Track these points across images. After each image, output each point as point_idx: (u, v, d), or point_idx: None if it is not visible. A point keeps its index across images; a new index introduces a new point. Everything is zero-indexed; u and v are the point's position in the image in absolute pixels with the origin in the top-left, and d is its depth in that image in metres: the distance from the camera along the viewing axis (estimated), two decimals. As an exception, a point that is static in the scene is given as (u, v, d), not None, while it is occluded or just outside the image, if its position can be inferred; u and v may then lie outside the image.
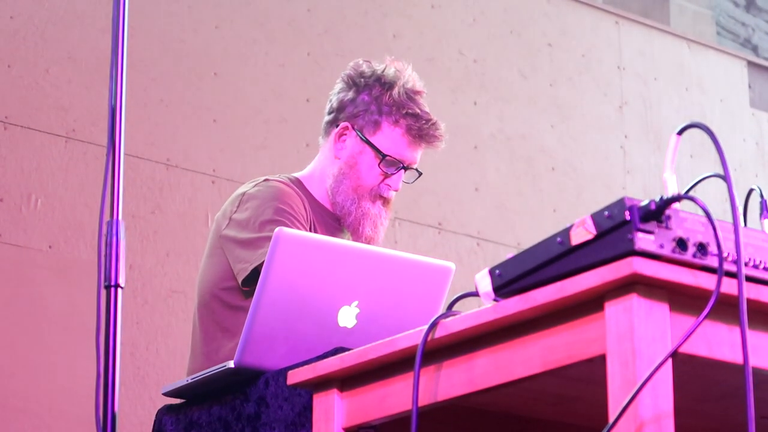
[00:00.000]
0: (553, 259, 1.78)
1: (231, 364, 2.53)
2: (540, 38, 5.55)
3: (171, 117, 4.51)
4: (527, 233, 5.23)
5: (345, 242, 2.65)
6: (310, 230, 2.91)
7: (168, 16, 4.58)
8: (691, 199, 1.71)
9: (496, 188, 5.25)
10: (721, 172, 1.76)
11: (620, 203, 1.71)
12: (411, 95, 3.03)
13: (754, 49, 6.50)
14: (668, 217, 1.71)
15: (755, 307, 1.74)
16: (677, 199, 1.70)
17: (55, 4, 4.37)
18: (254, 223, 2.85)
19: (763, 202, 2.13)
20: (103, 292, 2.22)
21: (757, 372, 1.73)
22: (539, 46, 5.54)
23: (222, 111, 4.62)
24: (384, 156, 2.99)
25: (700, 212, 1.72)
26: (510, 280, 1.83)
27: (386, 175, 3.01)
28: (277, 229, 2.51)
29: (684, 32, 6.06)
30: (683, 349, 1.68)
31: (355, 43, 4.99)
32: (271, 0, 4.82)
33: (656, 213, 1.70)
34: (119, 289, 2.23)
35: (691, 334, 1.65)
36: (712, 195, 5.41)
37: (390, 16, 5.13)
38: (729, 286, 1.68)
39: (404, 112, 3.00)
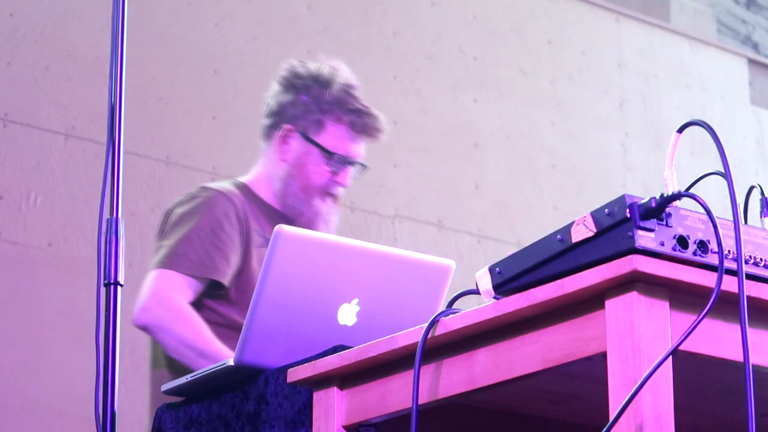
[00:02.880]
0: (553, 257, 1.78)
1: (231, 362, 2.53)
2: (540, 35, 5.54)
3: (171, 114, 4.51)
4: (527, 231, 5.23)
5: (345, 240, 2.65)
6: (243, 236, 2.93)
7: (167, 13, 4.57)
8: (692, 196, 1.70)
9: (496, 186, 5.25)
10: (722, 170, 1.76)
11: (620, 201, 1.71)
12: (349, 91, 3.05)
13: (755, 47, 6.50)
14: (669, 215, 1.71)
15: (756, 304, 1.74)
16: (678, 196, 1.70)
17: (55, 1, 4.37)
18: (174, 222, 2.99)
19: (763, 199, 2.13)
20: (103, 289, 2.22)
21: (758, 370, 1.72)
22: (539, 43, 5.53)
23: (222, 108, 4.62)
24: (331, 154, 3.02)
25: (701, 210, 1.72)
26: (510, 277, 1.83)
27: (334, 173, 3.03)
28: (276, 226, 2.52)
29: (684, 30, 6.06)
30: (684, 347, 1.68)
31: (355, 40, 4.99)
32: (270, -3, 4.82)
33: (657, 211, 1.70)
34: (119, 287, 2.23)
35: (691, 331, 1.65)
36: (713, 193, 5.39)
37: (390, 14, 5.13)
38: (729, 284, 1.68)
39: (346, 108, 3.03)
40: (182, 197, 3.03)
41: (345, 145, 3.03)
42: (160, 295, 2.84)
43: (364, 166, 3.07)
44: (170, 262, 2.87)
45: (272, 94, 3.10)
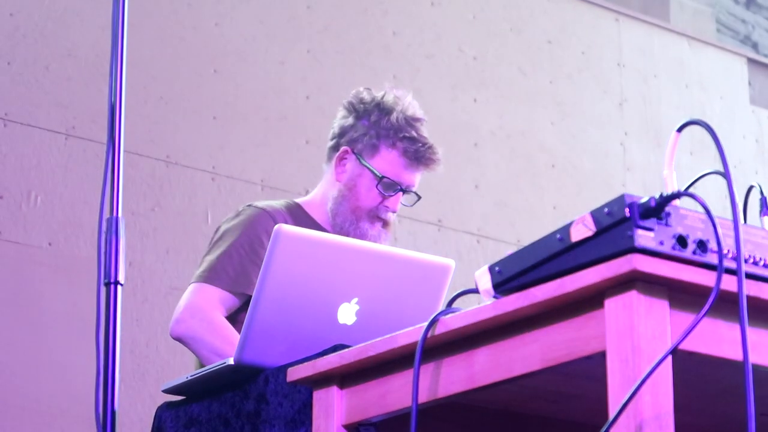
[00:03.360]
0: (552, 256, 1.78)
1: (230, 361, 2.53)
2: (540, 35, 5.55)
3: (171, 114, 4.51)
4: (527, 230, 5.23)
5: (345, 239, 2.66)
6: None
7: (168, 13, 4.58)
8: (691, 196, 1.70)
9: (495, 185, 5.25)
10: (721, 170, 1.76)
11: (620, 200, 1.71)
12: (409, 121, 3.14)
13: (754, 46, 6.50)
14: (668, 214, 1.71)
15: (755, 304, 1.74)
16: (677, 196, 1.70)
17: (55, 1, 4.37)
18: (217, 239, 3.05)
19: (763, 199, 2.13)
20: (103, 289, 2.22)
21: (757, 369, 1.73)
22: (539, 43, 5.54)
23: (222, 108, 4.62)
24: (381, 177, 3.09)
25: (700, 209, 1.72)
26: (510, 277, 1.83)
27: (384, 197, 3.11)
28: (276, 225, 2.52)
29: (684, 29, 6.06)
30: (683, 346, 1.68)
31: (355, 40, 4.99)
32: (270, -3, 4.82)
33: (656, 210, 1.70)
34: (119, 287, 2.23)
35: (691, 331, 1.65)
36: (712, 192, 5.41)
37: (390, 14, 5.13)
38: (729, 283, 1.68)
39: (401, 135, 3.11)
40: (230, 214, 3.12)
41: (397, 171, 3.11)
42: (194, 307, 2.91)
43: (417, 195, 3.16)
44: (208, 276, 2.94)
45: (337, 117, 3.23)
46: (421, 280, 2.65)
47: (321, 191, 3.19)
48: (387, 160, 3.11)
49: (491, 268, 1.86)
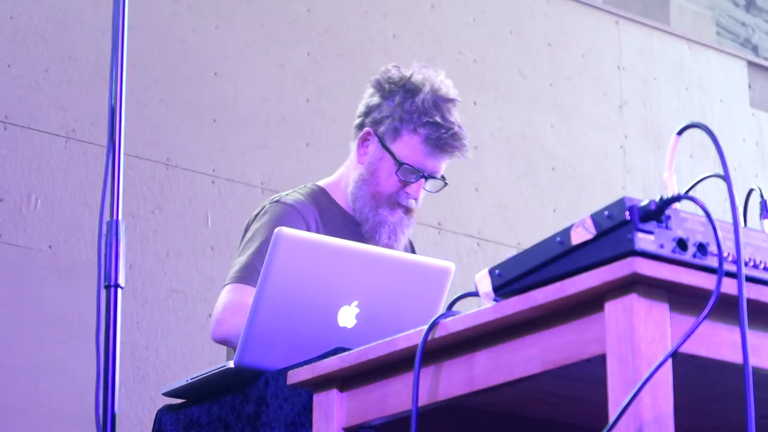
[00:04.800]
0: (553, 259, 1.78)
1: (231, 364, 2.53)
2: (540, 38, 5.55)
3: (171, 117, 4.51)
4: (527, 233, 5.23)
5: (345, 242, 2.66)
6: None
7: (168, 16, 4.58)
8: (691, 199, 1.71)
9: (496, 188, 5.25)
10: (721, 172, 1.76)
11: (620, 203, 1.71)
12: (438, 103, 2.99)
13: (754, 49, 6.50)
14: (668, 217, 1.71)
15: (755, 307, 1.74)
16: (677, 199, 1.70)
17: (55, 4, 4.37)
18: (248, 239, 2.96)
19: (763, 202, 2.14)
20: (103, 292, 2.22)
21: (757, 372, 1.73)
22: (539, 46, 5.54)
23: (222, 111, 4.62)
24: (401, 164, 2.98)
25: (700, 212, 1.72)
26: (510, 280, 1.83)
27: (405, 183, 3.00)
28: (276, 228, 2.52)
29: (684, 32, 6.06)
30: (683, 349, 1.68)
31: (355, 43, 4.99)
32: (270, 0, 4.83)
33: (656, 213, 1.70)
34: (119, 289, 2.23)
35: (691, 334, 1.65)
36: (712, 195, 5.41)
37: (390, 16, 5.13)
38: (729, 286, 1.68)
39: (424, 120, 2.97)
40: (257, 210, 3.03)
41: (418, 157, 2.98)
42: (233, 306, 2.83)
43: (443, 181, 3.03)
44: (241, 276, 2.87)
45: (366, 95, 3.08)
46: (421, 282, 2.65)
47: (344, 171, 3.09)
48: (408, 146, 2.98)
49: (491, 271, 1.86)
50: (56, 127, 4.28)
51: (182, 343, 4.33)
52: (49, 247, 4.18)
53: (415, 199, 3.02)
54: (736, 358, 1.72)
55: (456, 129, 2.98)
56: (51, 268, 4.15)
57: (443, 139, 2.97)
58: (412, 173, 2.99)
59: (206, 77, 4.61)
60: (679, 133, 1.83)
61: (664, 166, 1.82)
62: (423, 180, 3.01)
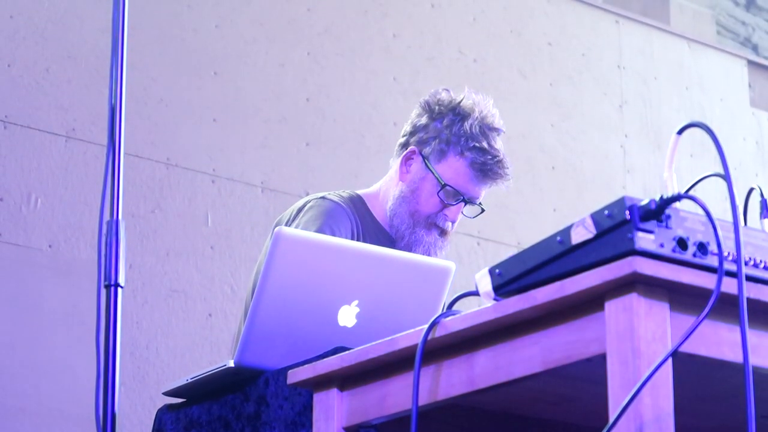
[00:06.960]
0: (553, 259, 1.78)
1: (231, 363, 2.53)
2: (540, 37, 5.55)
3: (171, 116, 4.51)
4: (527, 232, 5.23)
5: (345, 241, 2.66)
6: None
7: (168, 15, 4.58)
8: (691, 198, 1.71)
9: (496, 187, 5.25)
10: (721, 172, 1.76)
11: (620, 202, 1.71)
12: (484, 130, 3.03)
13: (755, 48, 6.50)
14: (668, 217, 1.71)
15: (755, 306, 1.74)
16: (677, 198, 1.70)
17: (55, 3, 4.37)
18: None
19: (763, 201, 2.13)
20: (103, 291, 2.22)
21: (758, 371, 1.73)
22: (539, 45, 5.54)
23: (222, 110, 4.62)
24: (444, 185, 3.01)
25: (700, 212, 1.72)
26: (510, 279, 1.83)
27: (445, 205, 3.02)
28: (276, 228, 2.52)
29: (684, 31, 6.06)
30: (683, 349, 1.68)
31: (355, 42, 4.99)
32: (270, 0, 4.83)
33: (656, 212, 1.70)
34: (119, 289, 2.23)
35: (691, 333, 1.65)
36: (712, 194, 5.41)
37: (390, 16, 5.13)
38: (729, 286, 1.68)
39: (471, 145, 3.00)
40: (297, 206, 3.01)
41: (461, 181, 3.02)
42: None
43: (481, 208, 3.06)
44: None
45: (412, 115, 3.11)
46: (421, 282, 2.65)
47: (384, 186, 3.11)
48: (453, 168, 3.01)
49: (491, 271, 1.86)
50: (56, 126, 4.28)
51: (182, 342, 4.33)
52: (49, 246, 4.18)
53: (453, 222, 3.05)
54: (736, 357, 1.72)
55: (501, 157, 3.02)
56: (51, 267, 4.15)
57: (488, 165, 3.01)
58: (454, 196, 3.02)
59: (206, 76, 4.61)
60: (680, 132, 1.83)
61: (664, 166, 1.82)
62: (462, 204, 3.04)
